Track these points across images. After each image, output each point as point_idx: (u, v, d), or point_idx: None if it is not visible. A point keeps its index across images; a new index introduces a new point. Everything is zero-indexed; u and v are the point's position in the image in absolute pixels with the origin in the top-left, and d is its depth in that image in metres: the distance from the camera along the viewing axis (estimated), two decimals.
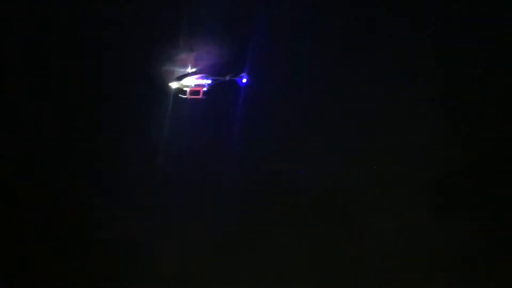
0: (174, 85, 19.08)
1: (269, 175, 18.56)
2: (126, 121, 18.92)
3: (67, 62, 18.57)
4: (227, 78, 19.10)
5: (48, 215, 17.98)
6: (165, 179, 18.70)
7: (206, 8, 18.94)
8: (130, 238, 17.89)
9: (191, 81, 19.04)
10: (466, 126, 18.11)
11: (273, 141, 18.57)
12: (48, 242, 17.90)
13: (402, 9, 18.11)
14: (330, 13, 18.74)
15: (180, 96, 19.07)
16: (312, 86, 18.64)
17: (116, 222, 17.84)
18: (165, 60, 19.06)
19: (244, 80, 18.98)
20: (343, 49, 18.68)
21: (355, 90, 18.43)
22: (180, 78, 19.12)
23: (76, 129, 18.66)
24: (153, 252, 18.11)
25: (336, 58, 18.62)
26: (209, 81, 19.03)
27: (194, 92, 19.11)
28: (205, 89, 19.13)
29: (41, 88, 18.44)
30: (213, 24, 19.02)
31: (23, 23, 18.21)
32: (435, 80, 18.09)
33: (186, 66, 19.20)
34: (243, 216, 18.31)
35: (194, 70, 19.19)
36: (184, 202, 18.57)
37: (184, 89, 19.10)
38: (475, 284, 17.22)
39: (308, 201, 18.51)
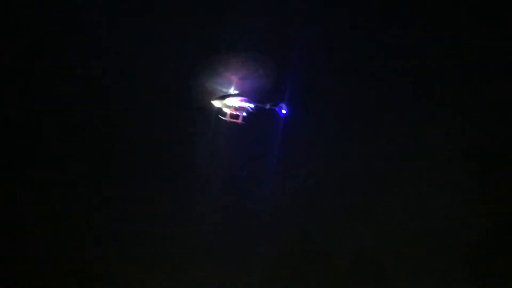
0: (216, 103, 18.52)
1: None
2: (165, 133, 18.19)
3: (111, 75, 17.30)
4: (268, 106, 18.99)
5: None
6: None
7: (256, 32, 18.61)
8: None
9: (233, 102, 18.62)
10: None
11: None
12: None
13: None
14: (375, 46, 19.25)
15: (219, 117, 18.69)
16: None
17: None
18: (209, 77, 18.42)
19: (284, 112, 19.04)
20: (390, 86, 19.11)
21: (402, 128, 19.02)
22: (223, 97, 18.60)
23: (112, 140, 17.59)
24: None
25: (382, 95, 19.16)
26: (252, 105, 18.78)
27: (234, 115, 18.78)
28: (245, 114, 18.88)
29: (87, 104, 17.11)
30: (260, 49, 18.72)
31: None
32: None
33: (229, 87, 18.73)
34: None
35: (236, 92, 18.80)
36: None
37: (225, 109, 18.67)
38: None
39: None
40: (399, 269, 18.52)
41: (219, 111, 18.57)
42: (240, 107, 18.59)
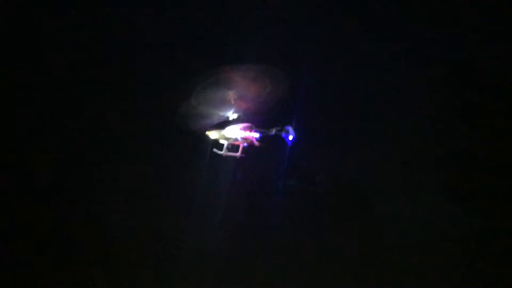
0: (213, 135, 13.63)
1: None
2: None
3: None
4: (273, 131, 14.54)
5: None
6: None
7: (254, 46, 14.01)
8: None
9: (235, 132, 13.85)
10: None
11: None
12: None
13: None
14: (387, 68, 15.71)
15: (214, 152, 13.83)
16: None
17: None
18: (201, 97, 13.47)
19: (291, 137, 14.77)
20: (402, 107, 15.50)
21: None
22: (220, 125, 13.72)
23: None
24: None
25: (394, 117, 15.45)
26: (257, 135, 14.14)
27: (233, 147, 14.04)
28: (245, 144, 14.24)
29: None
30: (264, 60, 14.02)
31: None
32: None
33: (226, 110, 13.90)
34: None
35: (236, 116, 14.03)
36: None
37: (222, 141, 13.87)
38: None
39: None
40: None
41: (215, 143, 13.83)
42: (243, 138, 13.96)
